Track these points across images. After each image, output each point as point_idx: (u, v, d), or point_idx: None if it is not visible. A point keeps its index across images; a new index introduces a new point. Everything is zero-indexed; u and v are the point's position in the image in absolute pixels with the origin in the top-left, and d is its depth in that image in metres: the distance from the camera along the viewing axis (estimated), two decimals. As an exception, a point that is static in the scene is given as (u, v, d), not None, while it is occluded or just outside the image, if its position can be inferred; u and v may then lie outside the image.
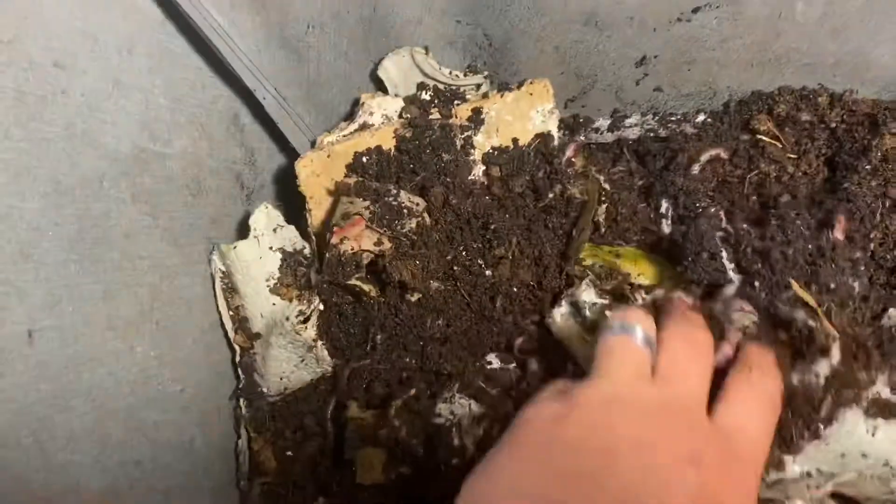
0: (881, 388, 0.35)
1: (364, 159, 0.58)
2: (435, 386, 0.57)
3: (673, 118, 0.59)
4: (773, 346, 0.37)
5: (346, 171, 0.58)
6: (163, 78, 0.55)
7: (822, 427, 0.35)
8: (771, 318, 0.38)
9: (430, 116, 0.59)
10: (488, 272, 0.55)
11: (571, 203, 0.55)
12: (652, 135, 0.59)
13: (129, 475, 0.50)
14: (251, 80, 0.59)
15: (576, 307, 0.49)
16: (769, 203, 0.52)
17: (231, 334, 0.62)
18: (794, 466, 0.35)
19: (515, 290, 0.55)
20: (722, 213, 0.53)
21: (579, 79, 0.61)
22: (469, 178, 0.57)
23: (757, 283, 0.39)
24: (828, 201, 0.48)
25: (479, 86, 0.63)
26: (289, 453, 0.63)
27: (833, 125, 0.52)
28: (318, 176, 0.60)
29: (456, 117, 0.58)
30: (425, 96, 0.61)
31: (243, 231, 0.62)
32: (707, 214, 0.52)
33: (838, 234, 0.41)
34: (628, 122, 0.60)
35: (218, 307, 0.62)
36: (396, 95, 0.62)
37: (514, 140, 0.58)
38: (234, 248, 0.60)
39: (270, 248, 0.60)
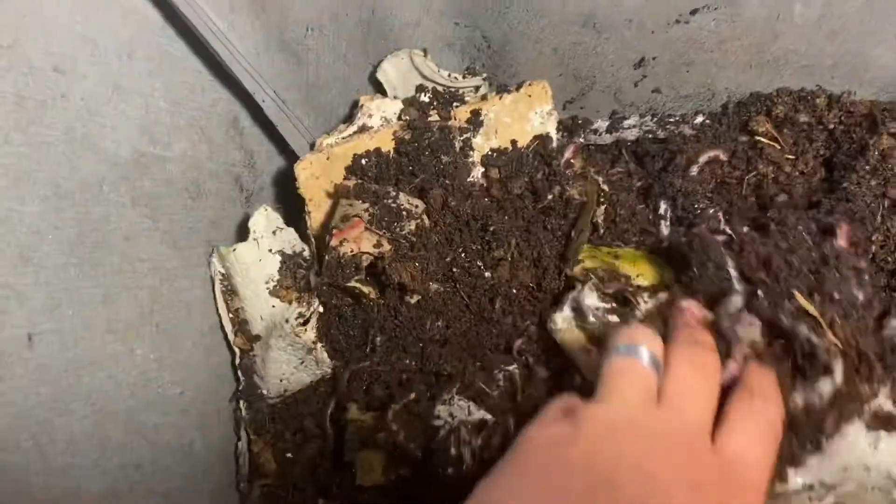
0: (883, 401, 0.35)
1: (363, 161, 0.58)
2: (434, 387, 0.57)
3: (671, 119, 0.59)
4: (776, 363, 0.37)
5: (345, 174, 0.59)
6: (162, 81, 0.55)
7: (824, 441, 0.35)
8: (774, 331, 0.38)
9: (429, 118, 0.59)
10: (487, 274, 0.55)
11: (570, 204, 0.55)
12: (650, 136, 0.59)
13: (128, 478, 0.50)
14: (250, 82, 0.59)
15: (578, 311, 0.49)
16: (768, 204, 0.52)
17: (231, 337, 0.62)
18: (796, 479, 0.35)
19: (514, 291, 0.55)
20: (720, 215, 0.53)
21: (578, 80, 0.61)
22: (468, 179, 0.57)
23: (760, 293, 0.38)
24: (827, 202, 0.48)
25: (477, 88, 0.63)
26: (289, 455, 0.63)
27: (831, 126, 0.53)
28: (317, 178, 0.60)
29: (455, 119, 0.59)
30: (424, 98, 0.61)
31: (243, 233, 0.62)
32: (706, 216, 0.53)
33: (842, 242, 0.41)
34: (627, 123, 0.61)
35: (217, 310, 0.62)
36: (395, 98, 0.63)
37: (513, 142, 0.58)
38: (234, 250, 0.60)
39: (270, 250, 0.60)
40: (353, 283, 0.55)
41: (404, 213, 0.54)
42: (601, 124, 0.62)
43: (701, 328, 0.39)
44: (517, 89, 0.58)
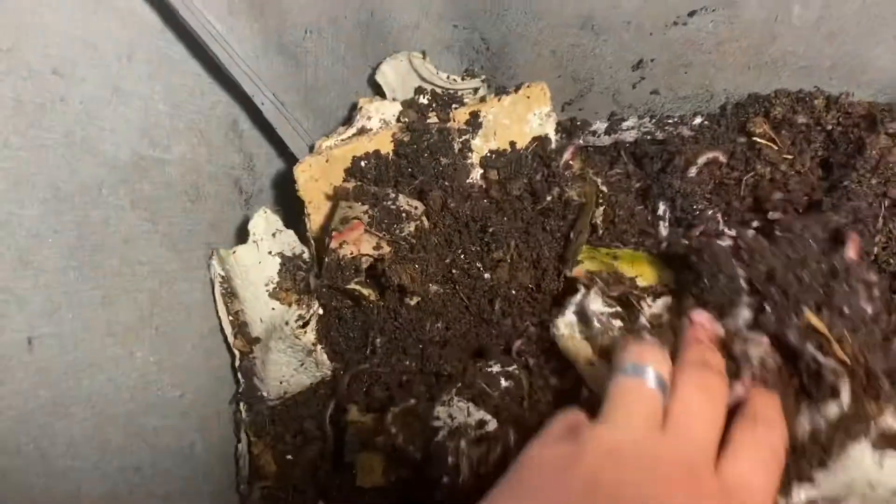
0: (891, 420, 0.35)
1: (362, 163, 0.58)
2: (434, 389, 0.57)
3: (670, 121, 0.59)
4: (781, 387, 0.37)
5: (344, 176, 0.59)
6: (162, 84, 0.55)
7: (829, 461, 0.35)
8: (780, 346, 0.38)
9: (428, 120, 0.59)
10: (487, 275, 0.55)
11: (569, 206, 0.55)
12: (649, 137, 0.59)
13: (128, 481, 0.50)
14: (249, 85, 0.59)
15: (582, 316, 0.48)
16: (768, 205, 0.52)
17: (230, 339, 0.62)
18: (800, 494, 0.35)
19: (514, 292, 0.55)
20: (719, 216, 0.53)
21: (576, 82, 0.61)
22: (467, 181, 0.57)
23: (768, 308, 0.38)
24: (827, 200, 0.48)
25: (476, 90, 0.63)
26: (289, 457, 0.63)
27: (829, 127, 0.53)
28: (316, 181, 0.60)
29: (454, 121, 0.59)
30: (423, 100, 0.61)
31: (242, 236, 0.63)
32: (704, 217, 0.53)
33: (851, 253, 0.40)
34: (625, 124, 0.61)
35: (217, 312, 0.62)
36: (394, 100, 0.63)
37: (512, 143, 0.58)
38: (233, 252, 0.60)
39: (269, 252, 0.60)
40: (352, 286, 0.55)
41: (403, 214, 0.54)
42: (600, 126, 0.62)
43: (711, 346, 0.38)
44: (516, 91, 0.58)
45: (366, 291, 0.56)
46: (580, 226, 0.54)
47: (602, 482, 0.31)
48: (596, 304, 0.47)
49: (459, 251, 0.55)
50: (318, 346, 0.59)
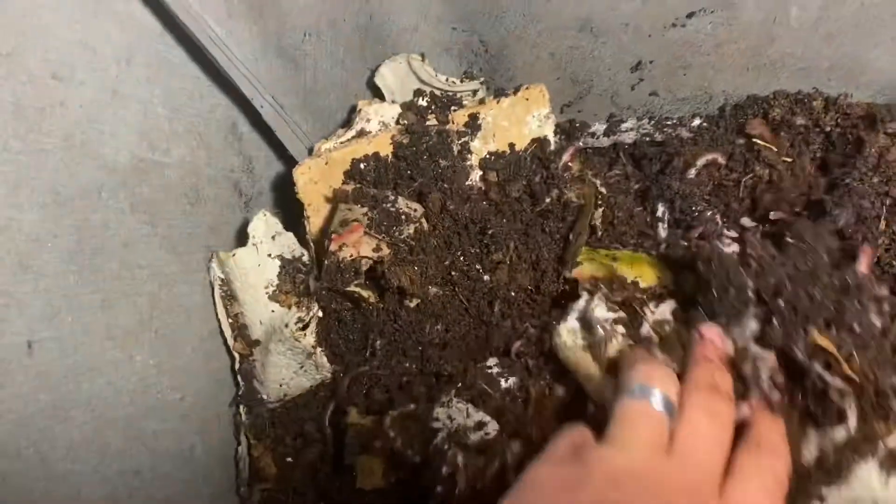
0: None
1: (362, 166, 0.58)
2: (434, 390, 0.57)
3: (669, 122, 0.59)
4: (786, 409, 0.36)
5: (343, 178, 0.59)
6: (161, 88, 0.55)
7: (836, 480, 0.35)
8: (786, 362, 0.37)
9: (427, 122, 0.59)
10: (486, 277, 0.55)
11: (568, 207, 0.55)
12: (648, 139, 0.59)
13: (128, 484, 0.50)
14: (248, 88, 0.59)
15: (585, 322, 0.47)
16: (768, 206, 0.52)
17: (230, 341, 0.62)
18: None
19: (513, 294, 0.55)
20: (718, 217, 0.53)
21: (575, 84, 0.61)
22: (466, 183, 0.57)
23: (776, 322, 0.38)
24: (828, 199, 0.48)
25: (475, 92, 0.63)
26: (289, 459, 0.63)
27: (828, 129, 0.53)
28: (315, 183, 0.60)
29: (453, 123, 0.59)
30: (422, 103, 0.61)
31: (242, 239, 0.63)
32: (703, 219, 0.53)
33: (863, 268, 0.40)
34: (624, 126, 0.61)
35: (217, 315, 0.62)
36: (393, 102, 0.63)
37: (511, 145, 0.58)
38: (233, 255, 0.60)
39: (269, 255, 0.60)
40: (352, 288, 0.55)
41: (403, 217, 0.54)
42: (599, 127, 0.62)
43: (720, 366, 0.38)
44: (515, 93, 0.58)
45: (365, 294, 0.56)
46: (579, 227, 0.54)
47: None
48: (600, 311, 0.46)
49: (459, 253, 0.55)
50: (318, 349, 0.59)
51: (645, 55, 0.57)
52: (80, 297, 0.48)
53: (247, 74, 0.58)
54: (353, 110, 0.65)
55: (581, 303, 0.48)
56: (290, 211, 0.66)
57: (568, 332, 0.47)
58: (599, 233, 0.56)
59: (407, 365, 0.58)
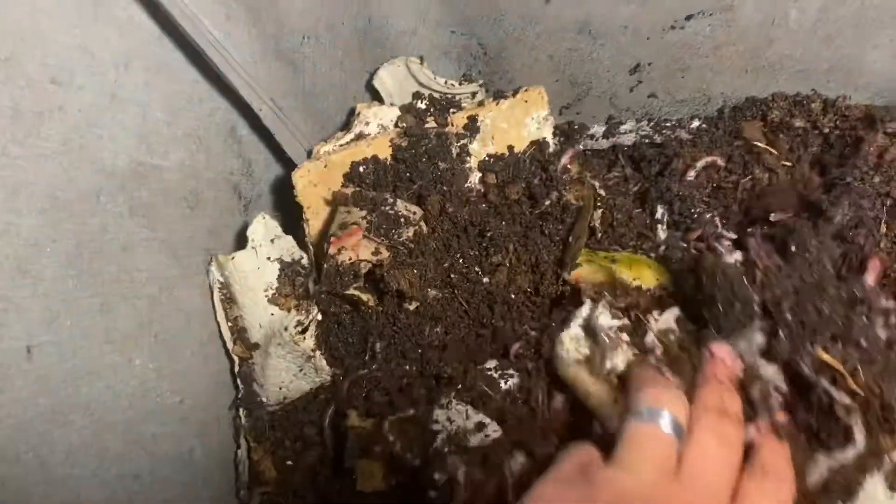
0: None
1: (361, 169, 0.58)
2: (434, 392, 0.57)
3: (667, 124, 0.59)
4: (792, 435, 0.36)
5: (342, 181, 0.59)
6: (160, 92, 0.55)
7: (847, 500, 0.35)
8: (792, 376, 0.37)
9: (426, 125, 0.59)
10: (485, 279, 0.55)
11: (567, 209, 0.55)
12: (647, 141, 0.60)
13: (127, 488, 0.50)
14: (247, 91, 0.59)
15: (588, 330, 0.47)
16: (768, 209, 0.52)
17: (230, 345, 0.62)
18: None
19: (513, 296, 0.55)
20: (717, 219, 0.53)
21: (574, 86, 0.61)
22: (465, 185, 0.57)
23: (782, 335, 0.37)
24: (826, 199, 0.48)
25: (474, 94, 0.63)
26: (289, 463, 0.63)
27: (826, 130, 0.53)
28: (315, 186, 0.60)
29: (452, 125, 0.59)
30: (421, 105, 0.61)
31: (241, 242, 0.63)
32: (702, 221, 0.52)
33: (871, 280, 0.39)
34: (623, 128, 0.61)
35: (216, 318, 0.62)
36: (392, 105, 0.63)
37: (510, 147, 0.58)
38: (232, 258, 0.60)
39: (268, 258, 0.60)
40: (351, 291, 0.55)
41: (402, 219, 0.54)
42: (597, 129, 0.62)
43: (730, 387, 0.38)
44: (514, 95, 0.58)
45: (365, 297, 0.56)
46: (578, 229, 0.54)
47: None
48: (604, 318, 0.45)
49: (458, 255, 0.55)
50: (318, 352, 0.59)
51: (644, 57, 0.57)
52: (78, 301, 0.47)
53: (245, 77, 0.58)
54: (352, 113, 0.65)
55: (585, 310, 0.47)
56: (289, 214, 0.66)
57: (571, 340, 0.47)
58: (598, 235, 0.56)
59: (406, 367, 0.58)
